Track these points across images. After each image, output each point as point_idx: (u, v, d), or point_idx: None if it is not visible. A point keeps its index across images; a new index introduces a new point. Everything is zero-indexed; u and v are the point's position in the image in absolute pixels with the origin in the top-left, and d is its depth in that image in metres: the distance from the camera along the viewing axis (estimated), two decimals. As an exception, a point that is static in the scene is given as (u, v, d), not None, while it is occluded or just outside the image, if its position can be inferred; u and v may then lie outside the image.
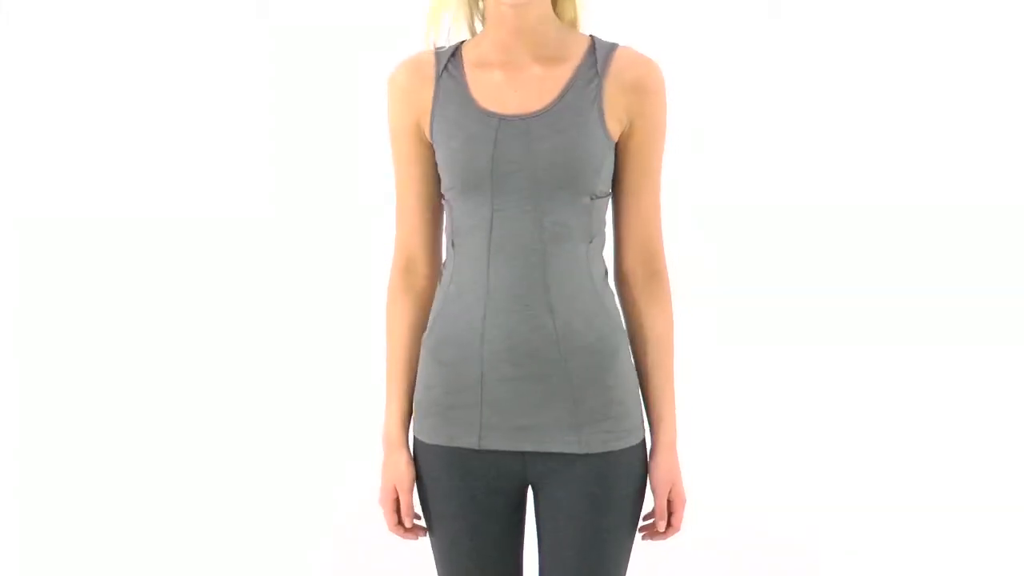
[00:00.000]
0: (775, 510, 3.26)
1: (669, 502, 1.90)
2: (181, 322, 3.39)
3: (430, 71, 1.86)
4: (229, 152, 3.39)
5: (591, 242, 1.81)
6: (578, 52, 1.82)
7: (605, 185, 1.81)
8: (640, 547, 1.95)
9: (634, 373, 1.88)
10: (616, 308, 1.87)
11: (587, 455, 1.82)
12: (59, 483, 3.37)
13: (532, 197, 1.78)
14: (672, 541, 1.98)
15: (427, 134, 1.86)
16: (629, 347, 1.87)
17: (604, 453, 1.83)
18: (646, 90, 1.80)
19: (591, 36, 1.84)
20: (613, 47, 1.82)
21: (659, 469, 1.88)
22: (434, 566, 1.97)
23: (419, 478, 1.90)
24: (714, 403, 3.26)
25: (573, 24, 1.88)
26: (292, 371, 3.38)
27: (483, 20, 1.87)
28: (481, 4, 1.87)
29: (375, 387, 3.48)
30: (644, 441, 1.90)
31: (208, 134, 3.38)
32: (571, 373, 1.81)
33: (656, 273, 1.87)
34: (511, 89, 1.81)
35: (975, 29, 3.30)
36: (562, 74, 1.80)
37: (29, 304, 3.40)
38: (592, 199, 1.80)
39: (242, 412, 3.38)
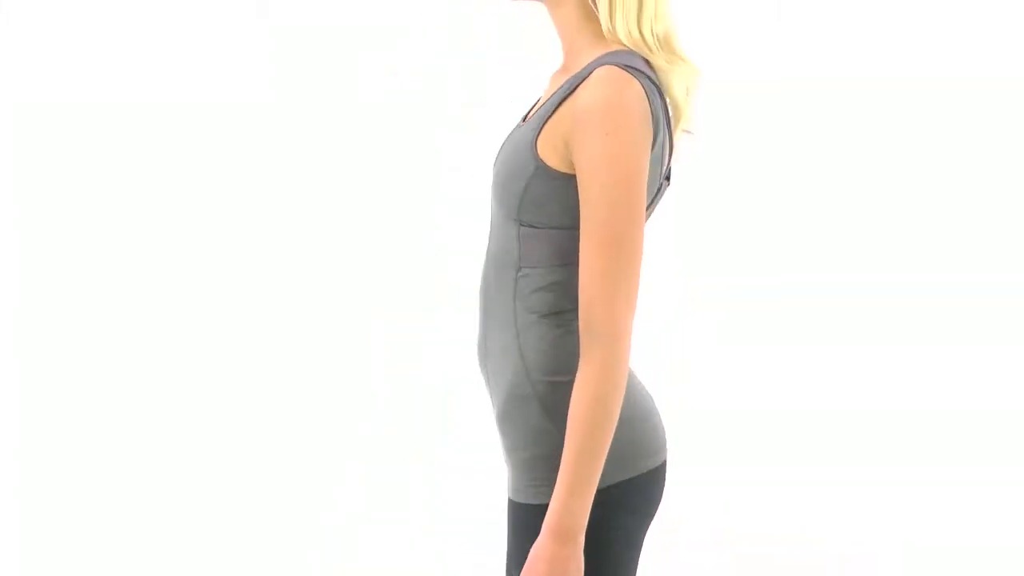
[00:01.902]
0: (775, 509, 3.26)
1: None
2: (181, 323, 3.39)
3: None
4: (229, 151, 3.38)
5: (520, 273, 1.61)
6: (581, 65, 1.59)
7: (537, 215, 1.58)
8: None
9: (550, 429, 1.60)
10: (539, 354, 1.61)
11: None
12: (59, 483, 3.37)
13: (491, 209, 1.68)
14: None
15: None
16: (552, 399, 1.60)
17: (510, 500, 1.67)
18: (577, 117, 1.51)
19: (610, 51, 1.58)
20: (602, 65, 1.54)
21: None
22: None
23: None
24: (714, 403, 3.26)
25: (605, 34, 1.62)
26: (292, 371, 3.37)
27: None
28: None
29: (374, 387, 3.51)
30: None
31: (208, 134, 3.37)
32: (495, 405, 1.68)
33: (587, 337, 1.52)
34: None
35: (977, 30, 3.29)
36: (555, 86, 1.63)
37: (29, 303, 3.40)
38: (520, 225, 1.59)
39: (241, 412, 3.37)
